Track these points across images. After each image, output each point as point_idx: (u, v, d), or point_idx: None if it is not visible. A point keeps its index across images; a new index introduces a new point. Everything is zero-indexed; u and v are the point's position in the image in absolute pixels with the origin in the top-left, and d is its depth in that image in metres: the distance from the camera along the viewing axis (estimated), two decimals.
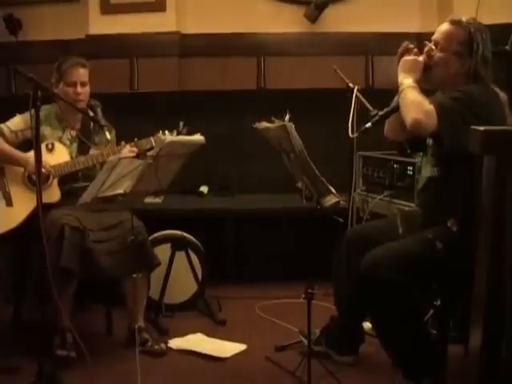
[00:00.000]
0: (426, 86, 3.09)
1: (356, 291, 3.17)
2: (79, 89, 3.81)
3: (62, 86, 3.81)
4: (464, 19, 3.02)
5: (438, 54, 3.04)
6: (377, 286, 2.91)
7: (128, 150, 3.73)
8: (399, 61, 3.10)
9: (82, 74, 3.84)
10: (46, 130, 3.75)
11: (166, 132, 3.83)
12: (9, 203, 3.70)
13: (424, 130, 2.89)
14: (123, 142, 3.79)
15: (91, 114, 3.81)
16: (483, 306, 2.01)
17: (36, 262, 3.30)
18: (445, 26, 3.06)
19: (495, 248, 1.96)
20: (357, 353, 3.54)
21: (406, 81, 3.00)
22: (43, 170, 3.55)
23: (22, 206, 3.67)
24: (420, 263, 2.94)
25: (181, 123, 3.84)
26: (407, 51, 3.10)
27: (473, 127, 2.04)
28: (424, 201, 3.23)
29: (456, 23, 3.03)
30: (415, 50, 3.09)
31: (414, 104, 2.91)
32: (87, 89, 3.87)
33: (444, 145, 2.90)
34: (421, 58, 3.05)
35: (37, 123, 3.07)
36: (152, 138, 3.82)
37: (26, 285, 3.84)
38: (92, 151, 3.85)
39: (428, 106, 2.86)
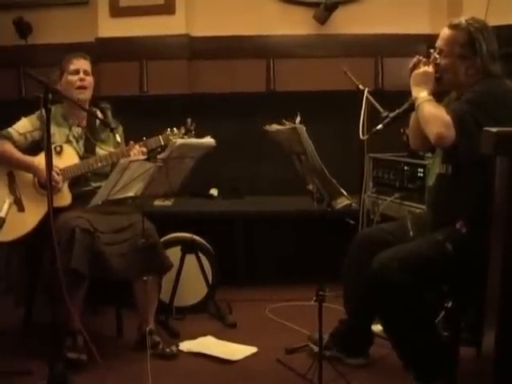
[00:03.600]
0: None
1: (366, 293, 3.17)
2: (82, 74, 3.83)
3: (66, 76, 3.83)
4: (463, 20, 3.02)
5: (443, 61, 3.04)
6: (387, 288, 2.91)
7: (137, 150, 3.73)
8: (411, 76, 3.10)
9: (84, 63, 3.88)
10: (52, 128, 3.72)
11: (174, 129, 3.84)
12: (20, 208, 3.70)
13: (448, 142, 2.86)
14: (132, 142, 3.80)
15: (100, 115, 3.82)
16: (497, 307, 2.00)
17: (47, 264, 3.30)
18: (445, 32, 3.06)
19: (509, 249, 1.95)
20: (367, 355, 3.54)
21: (421, 94, 3.00)
22: (54, 183, 3.56)
23: (34, 210, 3.67)
24: (430, 265, 2.93)
25: (188, 120, 3.85)
26: (417, 65, 3.09)
27: (485, 128, 2.03)
28: (433, 200, 3.22)
29: (454, 27, 3.03)
30: (424, 60, 3.08)
31: (433, 118, 2.90)
32: (90, 79, 3.88)
33: (460, 150, 2.89)
34: (431, 69, 3.04)
35: (48, 126, 3.08)
36: (160, 137, 3.83)
37: (37, 287, 3.84)
38: (98, 149, 3.86)
39: (446, 117, 2.86)
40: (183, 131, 3.85)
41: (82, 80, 3.82)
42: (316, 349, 3.43)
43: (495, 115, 2.77)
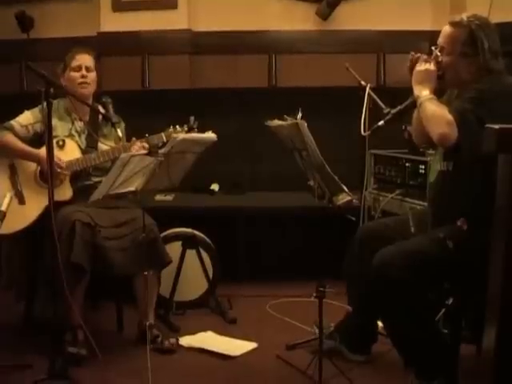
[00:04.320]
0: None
1: (369, 289, 3.16)
2: (84, 71, 3.83)
3: (68, 72, 3.85)
4: (465, 17, 2.99)
5: (445, 59, 3.03)
6: (388, 285, 2.90)
7: (138, 146, 3.73)
8: (411, 73, 3.08)
9: (87, 59, 3.88)
10: (54, 122, 3.71)
11: (177, 127, 3.84)
12: (21, 201, 3.70)
13: (451, 141, 2.85)
14: (134, 138, 3.80)
15: (102, 110, 3.82)
16: (497, 305, 1.99)
17: (48, 258, 3.31)
18: (446, 30, 3.04)
19: (510, 246, 1.95)
20: (369, 352, 3.53)
21: (424, 92, 2.98)
22: (58, 170, 3.56)
23: (35, 203, 3.68)
24: (431, 262, 2.92)
25: (191, 118, 3.85)
26: (416, 62, 3.08)
27: (487, 126, 2.02)
28: (434, 196, 3.22)
29: (456, 24, 3.01)
30: (424, 56, 3.07)
31: (436, 117, 2.89)
32: (93, 75, 3.88)
33: (463, 149, 2.88)
34: (432, 67, 3.03)
35: (49, 120, 3.08)
36: (163, 134, 3.83)
37: (39, 281, 3.84)
38: (100, 144, 3.86)
39: (448, 116, 2.84)
40: (186, 129, 3.84)
41: (83, 77, 3.83)
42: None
43: (498, 111, 2.75)
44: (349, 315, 3.56)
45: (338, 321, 3.60)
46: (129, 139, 3.83)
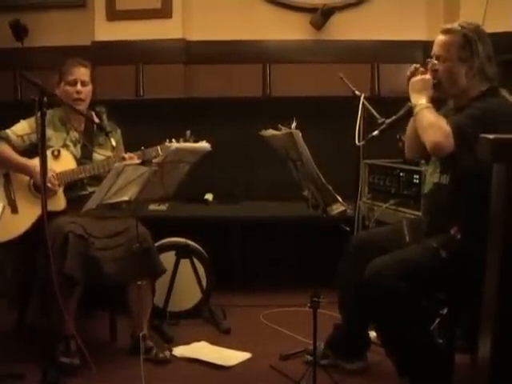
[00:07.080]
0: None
1: (361, 297, 3.15)
2: (79, 87, 3.79)
3: (63, 86, 3.81)
4: (456, 24, 3.01)
5: (442, 66, 3.03)
6: (381, 294, 2.89)
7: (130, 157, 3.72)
8: (408, 84, 3.09)
9: (83, 73, 3.83)
10: (49, 132, 3.71)
11: (173, 140, 3.83)
12: (14, 210, 3.69)
13: (444, 152, 2.87)
14: (126, 155, 3.78)
15: (96, 120, 3.81)
16: (492, 313, 1.99)
17: (41, 268, 3.29)
18: (440, 38, 3.05)
19: (505, 255, 1.94)
20: (365, 358, 3.52)
21: (420, 101, 2.99)
22: (49, 185, 3.54)
23: (28, 213, 3.66)
24: (425, 272, 2.92)
25: (188, 132, 3.83)
26: (414, 73, 3.08)
27: (482, 135, 2.02)
28: (429, 207, 3.22)
29: (449, 31, 3.02)
30: (422, 69, 3.07)
31: (432, 126, 2.89)
32: (88, 89, 3.85)
33: (460, 163, 2.89)
34: (428, 76, 3.03)
35: (42, 129, 3.07)
36: (159, 147, 3.82)
37: (32, 290, 3.83)
38: (95, 154, 3.85)
39: (445, 127, 2.85)
40: (182, 142, 3.82)
41: (78, 93, 3.79)
42: (311, 358, 3.44)
43: (496, 131, 2.75)
44: (337, 327, 3.54)
45: (326, 337, 3.56)
46: (126, 147, 3.82)
